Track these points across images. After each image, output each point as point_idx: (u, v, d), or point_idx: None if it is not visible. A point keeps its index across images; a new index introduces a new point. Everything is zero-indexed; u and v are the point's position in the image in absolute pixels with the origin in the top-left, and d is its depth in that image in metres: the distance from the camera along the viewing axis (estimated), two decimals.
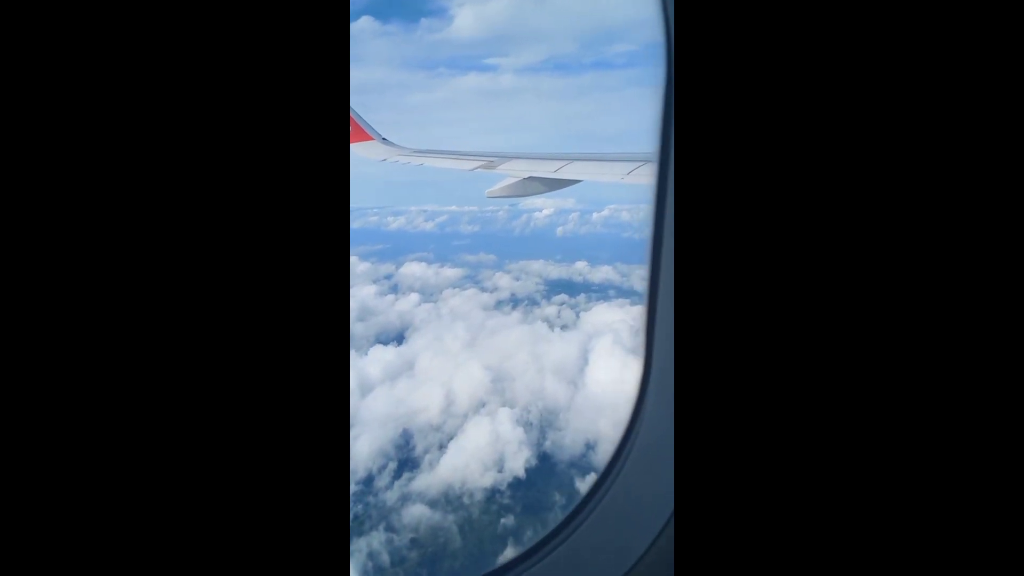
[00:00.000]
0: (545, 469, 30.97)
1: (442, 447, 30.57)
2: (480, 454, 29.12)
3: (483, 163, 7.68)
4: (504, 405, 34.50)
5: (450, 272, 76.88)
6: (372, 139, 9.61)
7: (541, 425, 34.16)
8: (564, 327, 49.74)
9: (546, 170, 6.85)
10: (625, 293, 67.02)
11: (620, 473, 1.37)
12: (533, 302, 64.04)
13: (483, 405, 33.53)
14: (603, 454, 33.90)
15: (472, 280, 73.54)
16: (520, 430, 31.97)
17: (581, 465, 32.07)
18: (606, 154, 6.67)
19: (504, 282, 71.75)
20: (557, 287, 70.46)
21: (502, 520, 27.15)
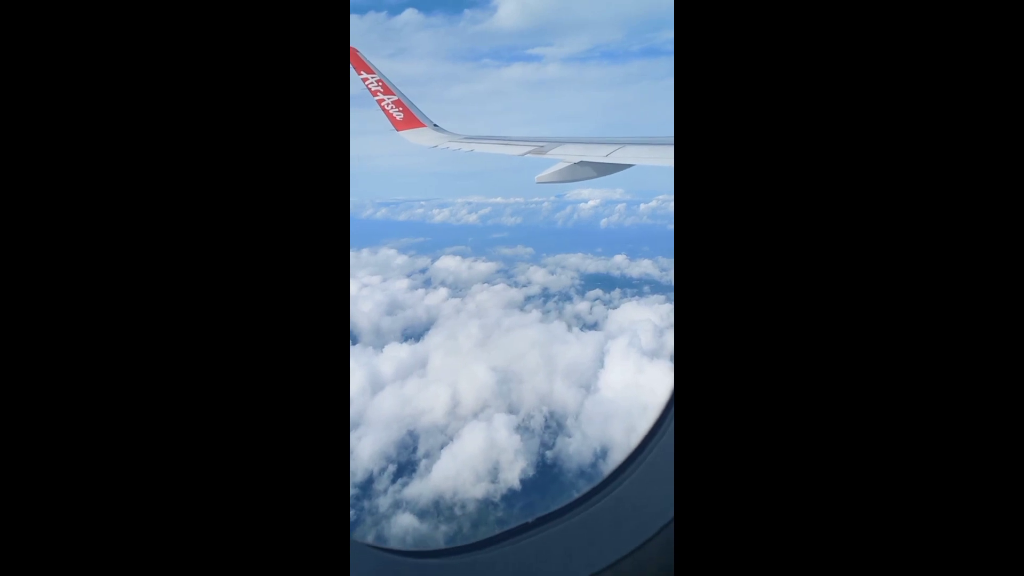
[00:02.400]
0: (546, 479, 29.76)
1: (442, 450, 29.82)
2: (476, 462, 28.18)
3: (533, 148, 7.44)
4: (507, 410, 33.45)
5: (483, 266, 76.15)
6: (424, 126, 9.59)
7: (546, 431, 32.94)
8: (589, 326, 48.20)
9: (597, 155, 6.56)
10: (662, 289, 64.47)
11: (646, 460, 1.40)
12: (565, 297, 62.54)
13: (483, 410, 32.55)
14: (613, 463, 32.24)
15: (505, 275, 72.56)
16: (520, 437, 30.82)
17: (589, 474, 30.68)
18: (659, 138, 6.35)
19: (538, 276, 70.41)
20: (593, 282, 68.64)
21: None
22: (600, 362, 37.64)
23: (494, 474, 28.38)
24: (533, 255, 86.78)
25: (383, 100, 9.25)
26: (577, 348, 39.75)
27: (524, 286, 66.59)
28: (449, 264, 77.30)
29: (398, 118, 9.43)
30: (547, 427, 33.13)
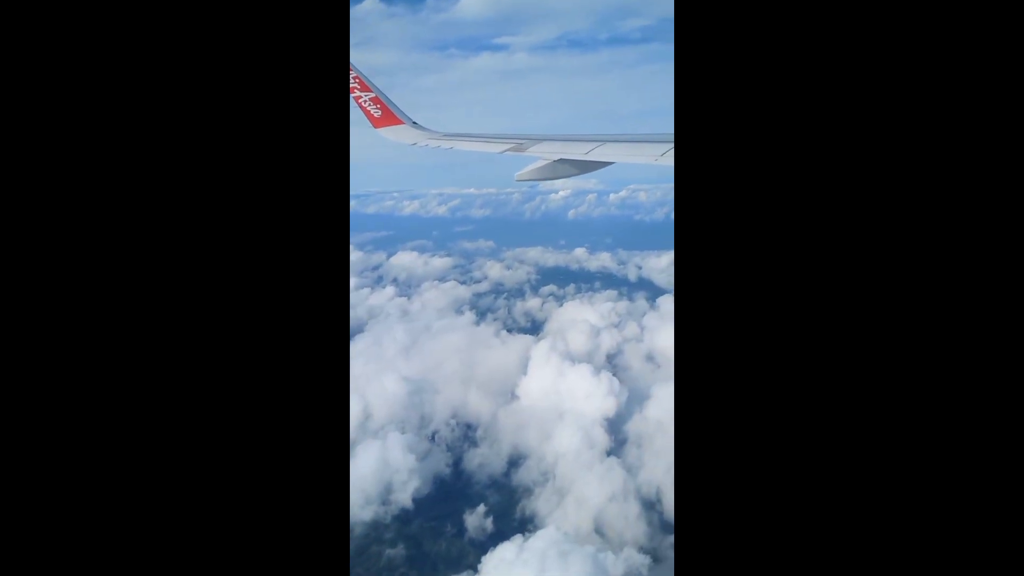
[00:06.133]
0: (448, 494, 28.81)
1: None
2: (366, 483, 27.11)
3: (512, 145, 7.38)
4: (417, 422, 32.38)
5: (439, 262, 74.61)
6: (402, 123, 9.41)
7: (453, 444, 31.94)
8: (523, 329, 47.14)
9: (577, 152, 6.63)
10: (616, 283, 63.45)
11: None
12: (518, 294, 61.30)
13: (382, 428, 31.43)
14: (526, 471, 31.54)
15: (462, 270, 71.04)
16: (416, 456, 29.75)
17: (499, 483, 29.82)
18: (639, 135, 6.36)
19: (494, 272, 68.96)
20: (550, 276, 67.37)
21: (388, 552, 25.26)
22: (523, 369, 36.63)
23: (385, 495, 27.36)
24: (493, 249, 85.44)
25: (360, 97, 8.99)
26: (501, 354, 38.72)
27: (477, 282, 65.33)
28: (405, 260, 75.63)
29: (376, 115, 9.18)
30: (455, 440, 32.15)
